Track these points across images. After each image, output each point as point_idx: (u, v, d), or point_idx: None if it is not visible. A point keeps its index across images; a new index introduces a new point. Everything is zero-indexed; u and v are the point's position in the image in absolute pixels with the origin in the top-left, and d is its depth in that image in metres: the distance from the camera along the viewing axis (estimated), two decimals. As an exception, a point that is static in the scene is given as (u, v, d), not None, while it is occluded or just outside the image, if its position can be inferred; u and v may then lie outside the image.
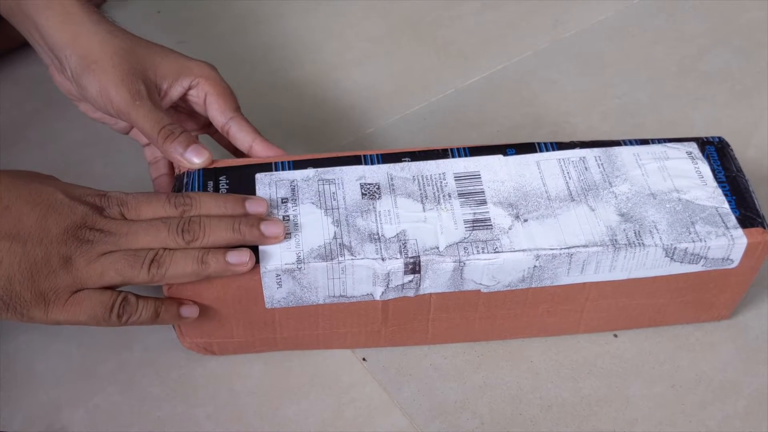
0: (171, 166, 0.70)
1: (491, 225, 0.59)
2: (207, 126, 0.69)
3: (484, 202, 0.60)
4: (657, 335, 0.66)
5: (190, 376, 0.64)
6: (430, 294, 0.60)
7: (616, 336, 0.66)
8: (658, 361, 0.65)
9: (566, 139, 0.65)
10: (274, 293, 0.58)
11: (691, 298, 0.63)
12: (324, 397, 0.63)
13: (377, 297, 0.59)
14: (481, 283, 0.59)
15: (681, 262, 0.59)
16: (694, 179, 0.62)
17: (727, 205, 0.61)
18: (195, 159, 0.62)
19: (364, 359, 0.65)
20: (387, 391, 0.63)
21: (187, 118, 0.69)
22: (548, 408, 0.62)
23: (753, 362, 0.65)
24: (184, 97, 0.66)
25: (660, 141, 0.65)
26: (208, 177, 0.61)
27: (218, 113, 0.66)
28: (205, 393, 0.63)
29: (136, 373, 0.64)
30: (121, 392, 0.63)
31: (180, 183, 0.61)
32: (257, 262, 0.57)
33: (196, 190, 0.61)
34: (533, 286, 0.60)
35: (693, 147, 0.64)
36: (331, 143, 0.80)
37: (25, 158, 0.78)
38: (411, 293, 0.59)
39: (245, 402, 0.62)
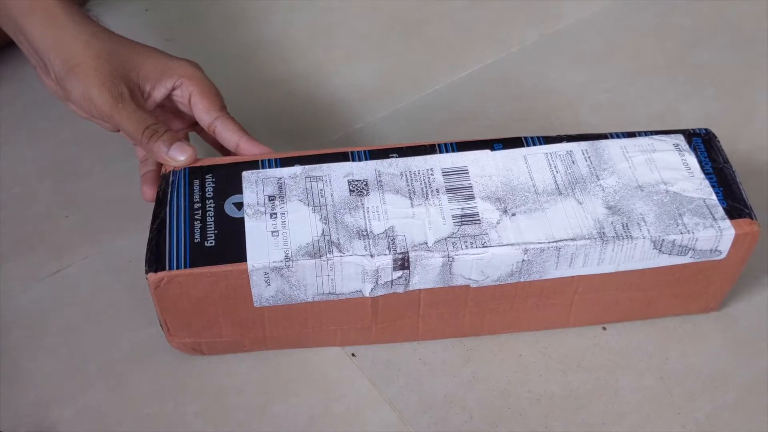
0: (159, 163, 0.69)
1: (479, 220, 0.59)
2: (194, 124, 0.69)
3: (472, 197, 0.60)
4: (645, 328, 0.66)
5: (178, 373, 0.63)
6: (420, 290, 0.60)
7: (604, 329, 0.66)
8: (647, 354, 0.65)
9: (555, 134, 0.65)
10: (263, 291, 0.58)
11: (679, 290, 0.63)
12: (313, 393, 0.63)
13: (366, 294, 0.59)
14: (470, 278, 0.59)
15: (669, 254, 0.60)
16: (681, 171, 0.62)
17: (714, 197, 0.61)
18: (179, 156, 0.62)
19: (353, 355, 0.65)
20: (376, 386, 0.63)
21: (173, 117, 0.69)
22: (537, 401, 0.62)
23: (742, 354, 0.65)
24: (169, 97, 0.66)
25: (647, 134, 0.65)
26: (194, 175, 0.61)
27: (203, 113, 0.66)
28: (194, 390, 0.63)
29: (124, 370, 0.64)
30: (110, 390, 0.63)
31: (166, 182, 0.61)
32: (244, 261, 0.57)
33: (183, 188, 0.61)
34: (522, 280, 0.60)
35: (680, 139, 0.64)
36: (321, 139, 0.80)
37: (15, 156, 0.78)
38: (400, 289, 0.59)
39: (234, 399, 0.62)
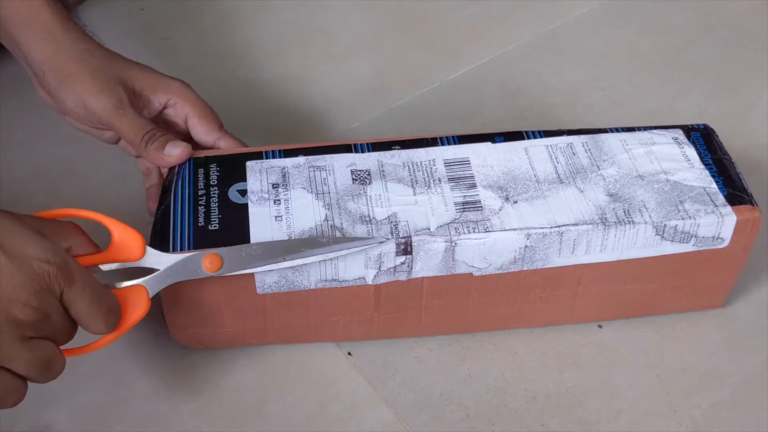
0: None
1: (481, 207, 0.59)
2: (188, 139, 0.69)
3: (473, 186, 0.61)
4: (642, 325, 0.66)
5: (174, 372, 0.63)
6: (422, 278, 0.59)
7: (600, 326, 0.66)
8: (643, 351, 0.65)
9: (551, 130, 0.65)
10: (266, 277, 0.58)
11: (683, 283, 0.63)
12: (309, 392, 0.62)
13: (369, 281, 0.59)
14: (473, 266, 0.59)
15: (672, 241, 0.60)
16: (680, 162, 0.62)
17: (714, 185, 0.61)
18: (173, 151, 0.62)
19: (349, 353, 0.64)
20: (372, 385, 0.63)
21: (167, 131, 0.69)
22: (533, 399, 0.62)
23: (738, 351, 0.65)
24: (161, 113, 0.67)
25: (646, 128, 0.65)
26: (198, 165, 0.62)
27: (203, 135, 0.67)
28: (190, 389, 0.62)
29: (120, 370, 0.63)
30: (105, 390, 0.62)
31: (172, 173, 0.62)
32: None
33: (187, 176, 0.61)
34: (525, 268, 0.60)
35: (679, 133, 0.65)
36: (316, 138, 0.80)
37: (11, 156, 0.77)
38: (403, 276, 0.59)
39: (230, 398, 0.62)
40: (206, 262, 0.56)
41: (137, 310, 0.55)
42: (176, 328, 0.62)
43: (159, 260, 0.56)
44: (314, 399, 0.62)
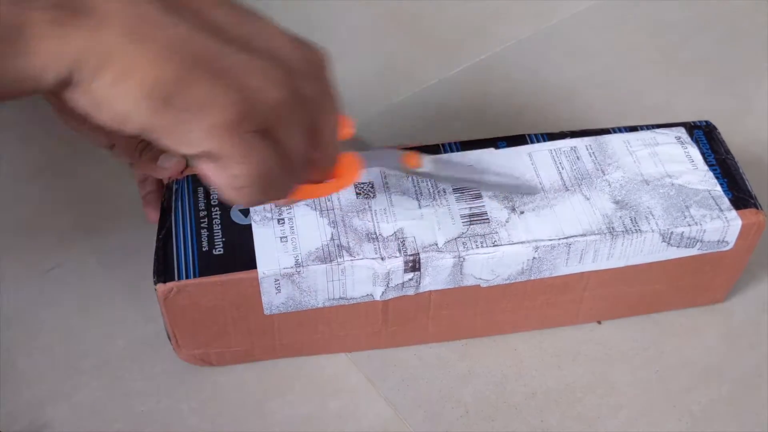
0: (159, 182, 0.69)
1: (488, 219, 0.59)
2: None
3: (479, 196, 0.60)
4: (641, 321, 0.66)
5: (173, 370, 0.63)
6: (430, 291, 0.59)
7: (599, 323, 0.66)
8: (642, 347, 0.65)
9: (550, 128, 0.65)
10: (273, 299, 0.57)
11: (687, 283, 0.64)
12: (309, 389, 0.62)
13: (377, 297, 0.58)
14: (480, 278, 0.59)
15: (677, 247, 0.60)
16: (684, 163, 0.62)
17: (719, 188, 0.61)
18: (166, 163, 0.61)
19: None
20: (371, 382, 0.63)
21: None
22: (533, 396, 0.62)
23: (737, 347, 0.65)
24: None
25: (648, 127, 0.65)
26: (197, 183, 0.61)
27: None
28: (189, 387, 0.62)
29: (119, 368, 0.63)
30: (104, 387, 0.62)
31: (170, 191, 0.61)
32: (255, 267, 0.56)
33: (187, 196, 0.60)
34: (532, 278, 0.59)
35: (681, 132, 0.65)
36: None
37: (8, 155, 0.77)
38: (411, 291, 0.59)
39: (230, 396, 0.62)
40: (408, 159, 0.58)
41: (352, 171, 0.52)
42: (183, 350, 0.61)
43: (357, 146, 0.55)
44: (314, 397, 0.62)
